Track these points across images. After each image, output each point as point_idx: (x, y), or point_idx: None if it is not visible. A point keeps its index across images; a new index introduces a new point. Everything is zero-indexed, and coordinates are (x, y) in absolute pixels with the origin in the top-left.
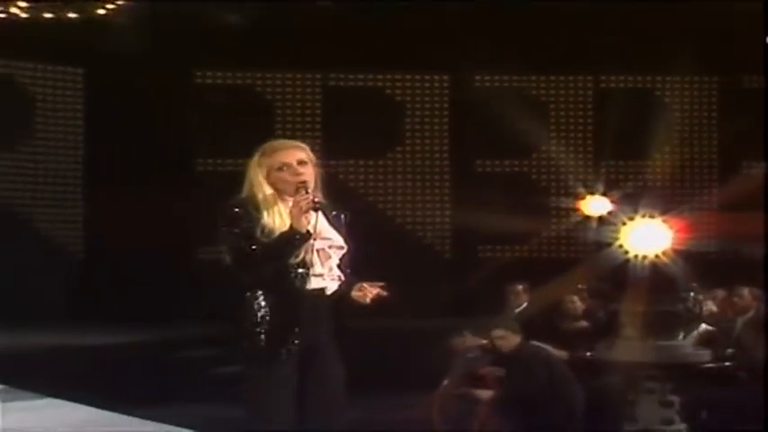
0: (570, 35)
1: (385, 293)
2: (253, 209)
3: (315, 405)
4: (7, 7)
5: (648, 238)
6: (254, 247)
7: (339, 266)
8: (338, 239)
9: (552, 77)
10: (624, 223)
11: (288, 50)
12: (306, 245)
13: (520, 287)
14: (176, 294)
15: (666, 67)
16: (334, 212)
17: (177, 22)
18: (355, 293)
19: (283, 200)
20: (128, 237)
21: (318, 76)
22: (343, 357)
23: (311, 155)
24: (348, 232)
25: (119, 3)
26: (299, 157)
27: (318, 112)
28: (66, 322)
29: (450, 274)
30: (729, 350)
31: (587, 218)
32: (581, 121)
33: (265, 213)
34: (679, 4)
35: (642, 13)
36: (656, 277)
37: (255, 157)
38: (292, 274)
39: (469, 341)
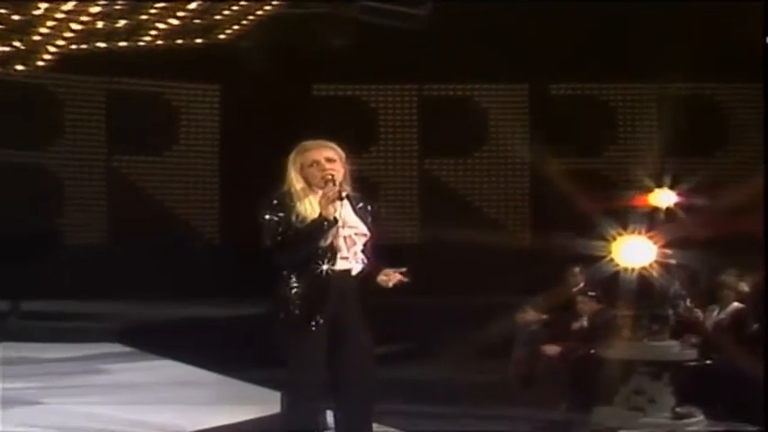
0: (635, 48)
1: (406, 279)
2: (289, 200)
3: (346, 369)
4: (144, 36)
5: (641, 251)
6: (289, 232)
7: (363, 251)
8: (362, 228)
9: (619, 85)
10: (614, 238)
11: (389, 66)
12: (333, 231)
13: (577, 269)
14: None
15: (722, 74)
16: (361, 204)
17: (296, 43)
18: (381, 278)
19: (314, 192)
20: (256, 226)
21: (415, 87)
22: (369, 327)
23: (341, 153)
24: (374, 221)
25: (237, 28)
26: (327, 155)
27: (415, 118)
28: (200, 297)
29: (528, 256)
30: (756, 326)
31: (655, 209)
32: (646, 122)
33: (299, 203)
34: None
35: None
36: (649, 286)
37: (291, 156)
38: (322, 257)
39: (530, 316)
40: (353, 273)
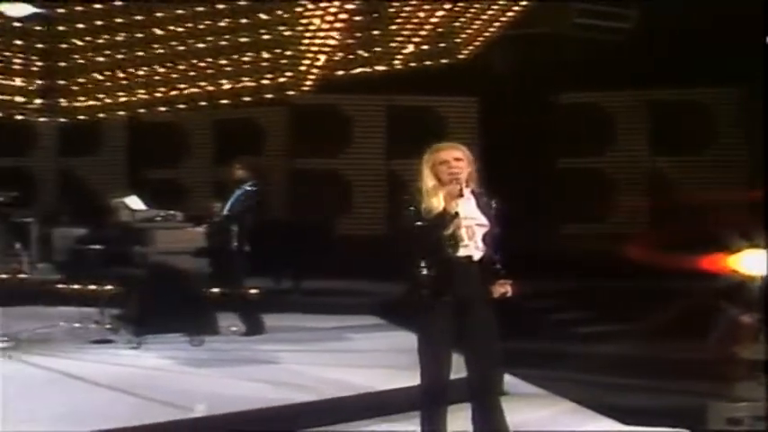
0: None
1: (509, 294)
2: (420, 195)
3: (471, 340)
4: (396, 60)
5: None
6: (419, 222)
7: (483, 240)
8: (483, 219)
9: None
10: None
11: (621, 74)
12: (455, 222)
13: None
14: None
15: None
16: (485, 199)
17: (539, 57)
18: (494, 286)
19: (442, 188)
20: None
21: (643, 92)
22: (491, 306)
23: (468, 154)
24: (496, 215)
25: (472, 48)
26: (456, 155)
27: (644, 120)
28: None
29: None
30: None
31: None
32: None
33: (428, 198)
34: None
35: None
36: None
37: (425, 155)
38: (446, 245)
39: None
40: (474, 258)
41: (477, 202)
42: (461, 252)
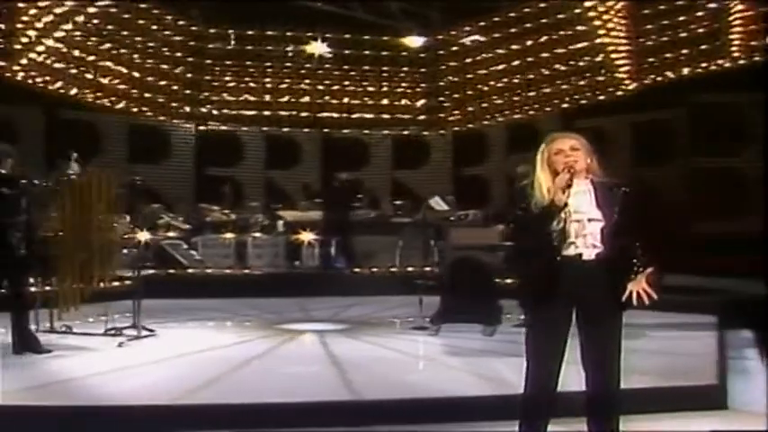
0: None
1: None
2: (531, 188)
3: (585, 342)
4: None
5: None
6: (527, 218)
7: (601, 236)
8: (595, 214)
9: None
10: None
11: None
12: (562, 216)
13: None
14: None
15: None
16: (611, 191)
17: None
18: (631, 285)
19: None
20: None
21: None
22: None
23: (585, 143)
24: (625, 205)
25: None
26: (572, 144)
27: None
28: None
29: None
30: None
31: None
32: None
33: (538, 192)
34: None
35: None
36: None
37: (541, 146)
38: (553, 241)
39: None
40: (584, 257)
41: (597, 194)
42: (569, 251)
